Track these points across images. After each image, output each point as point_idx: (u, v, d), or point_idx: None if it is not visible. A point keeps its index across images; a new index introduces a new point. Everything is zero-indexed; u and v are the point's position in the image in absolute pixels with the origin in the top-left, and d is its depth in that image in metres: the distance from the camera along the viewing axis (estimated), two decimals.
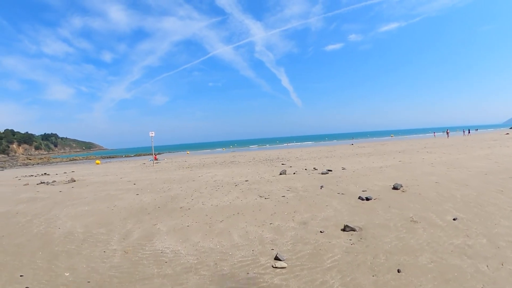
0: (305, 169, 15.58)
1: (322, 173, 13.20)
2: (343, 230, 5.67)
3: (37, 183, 18.27)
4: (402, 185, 9.13)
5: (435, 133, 74.49)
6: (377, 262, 4.30)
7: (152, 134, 29.58)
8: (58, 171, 28.96)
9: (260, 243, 5.33)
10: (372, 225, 5.90)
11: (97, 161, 48.58)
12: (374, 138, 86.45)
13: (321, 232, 5.66)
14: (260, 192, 9.95)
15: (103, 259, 5.12)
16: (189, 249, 5.23)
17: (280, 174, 14.12)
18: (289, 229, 5.97)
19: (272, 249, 4.99)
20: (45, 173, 27.07)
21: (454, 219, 5.88)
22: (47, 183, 17.62)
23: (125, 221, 7.47)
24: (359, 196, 8.08)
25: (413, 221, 5.98)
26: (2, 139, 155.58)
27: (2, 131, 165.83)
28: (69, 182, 17.81)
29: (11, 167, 50.98)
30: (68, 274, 4.62)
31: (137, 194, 11.22)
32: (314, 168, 15.52)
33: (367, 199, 7.85)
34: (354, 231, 5.57)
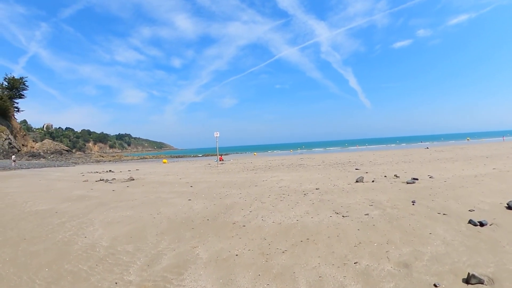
0: (385, 176, 13.20)
1: (407, 183, 10.95)
2: (467, 282, 3.67)
3: (96, 180, 18.56)
4: None
5: (504, 137, 71.70)
6: None
7: (216, 134, 29.10)
8: (123, 169, 30.01)
9: None
10: (506, 272, 3.81)
11: (164, 160, 50.29)
12: (450, 142, 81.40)
13: (435, 286, 3.60)
14: (336, 206, 7.96)
15: None
16: None
17: (357, 181, 11.97)
18: (385, 275, 3.96)
19: None
20: (110, 170, 28.21)
21: None
22: (106, 181, 17.71)
23: (161, 237, 6.12)
24: (470, 220, 5.91)
25: None
26: (79, 138, 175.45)
27: (79, 131, 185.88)
28: (127, 180, 17.65)
29: (83, 163, 55.51)
30: None
31: (189, 200, 10.00)
32: (395, 176, 13.04)
33: (481, 224, 5.70)
34: (482, 284, 3.60)
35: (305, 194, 9.90)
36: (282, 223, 6.59)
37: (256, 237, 5.71)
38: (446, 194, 8.51)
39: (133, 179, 18.07)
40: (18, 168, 37.82)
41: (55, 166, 42.87)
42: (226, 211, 8.09)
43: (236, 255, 4.88)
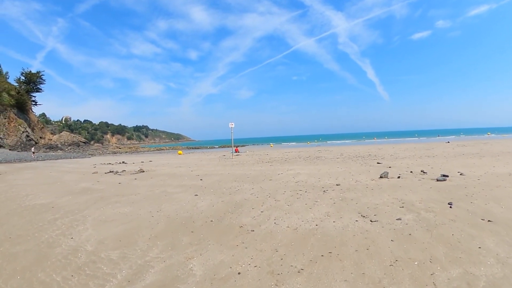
0: (411, 172, 12.02)
1: (437, 180, 9.81)
2: None
3: (106, 172, 18.02)
4: None
5: None
6: None
7: (231, 125, 28.15)
8: (137, 160, 29.53)
9: None
10: None
11: (179, 151, 49.94)
12: (470, 136, 77.14)
13: None
14: (361, 206, 6.86)
15: None
16: None
17: (381, 177, 10.84)
18: None
19: None
20: (123, 162, 27.75)
21: None
22: (115, 173, 17.15)
23: (154, 241, 5.20)
24: None
25: None
26: (97, 130, 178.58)
27: (97, 123, 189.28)
28: (136, 172, 17.02)
29: (100, 154, 55.65)
30: None
31: (196, 195, 9.11)
32: (422, 171, 11.84)
33: None
34: None
35: (324, 191, 8.83)
36: (298, 229, 5.52)
37: (265, 248, 4.66)
38: (485, 195, 7.41)
39: (143, 171, 17.40)
40: (34, 160, 37.93)
41: (71, 158, 42.87)
42: (234, 210, 7.12)
43: (239, 273, 3.85)
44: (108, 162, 27.64)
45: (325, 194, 8.45)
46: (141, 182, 12.70)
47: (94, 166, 23.92)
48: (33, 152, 45.52)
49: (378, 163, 16.37)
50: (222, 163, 22.20)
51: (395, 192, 8.26)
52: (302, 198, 8.06)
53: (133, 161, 28.86)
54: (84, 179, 15.18)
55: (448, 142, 43.73)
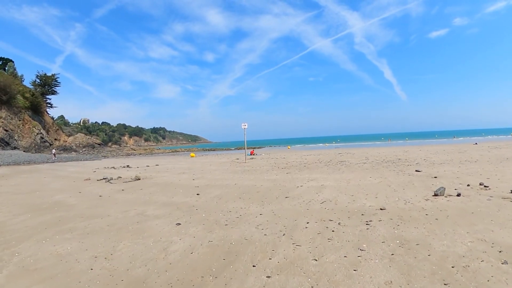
0: (468, 186, 8.96)
1: None
2: None
3: (99, 179, 15.90)
4: None
5: None
6: None
7: (244, 126, 25.31)
8: (144, 164, 27.49)
9: None
10: None
11: (192, 154, 47.71)
12: (492, 137, 74.78)
13: None
14: (440, 264, 3.86)
15: None
16: None
17: (436, 195, 7.83)
18: None
19: None
20: (127, 165, 25.84)
21: None
22: (107, 180, 15.01)
23: None
24: None
25: None
26: (115, 132, 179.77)
27: (115, 125, 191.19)
28: (130, 180, 14.71)
29: (113, 156, 54.19)
30: None
31: (178, 224, 6.37)
32: (483, 185, 8.79)
33: None
34: None
35: (368, 223, 5.80)
36: None
37: None
38: None
39: (139, 179, 14.97)
40: (44, 162, 36.47)
41: (81, 160, 41.24)
42: (224, 267, 4.16)
43: None
44: (112, 166, 25.61)
45: (370, 230, 5.42)
46: (125, 196, 10.19)
47: (95, 170, 21.79)
48: (54, 154, 44.16)
49: (417, 171, 13.18)
50: (232, 168, 19.47)
51: (473, 225, 5.28)
52: (336, 239, 5.03)
53: (139, 164, 26.66)
54: (69, 188, 13.02)
55: (476, 143, 40.28)
